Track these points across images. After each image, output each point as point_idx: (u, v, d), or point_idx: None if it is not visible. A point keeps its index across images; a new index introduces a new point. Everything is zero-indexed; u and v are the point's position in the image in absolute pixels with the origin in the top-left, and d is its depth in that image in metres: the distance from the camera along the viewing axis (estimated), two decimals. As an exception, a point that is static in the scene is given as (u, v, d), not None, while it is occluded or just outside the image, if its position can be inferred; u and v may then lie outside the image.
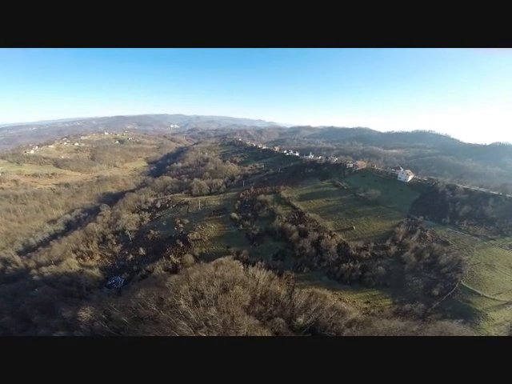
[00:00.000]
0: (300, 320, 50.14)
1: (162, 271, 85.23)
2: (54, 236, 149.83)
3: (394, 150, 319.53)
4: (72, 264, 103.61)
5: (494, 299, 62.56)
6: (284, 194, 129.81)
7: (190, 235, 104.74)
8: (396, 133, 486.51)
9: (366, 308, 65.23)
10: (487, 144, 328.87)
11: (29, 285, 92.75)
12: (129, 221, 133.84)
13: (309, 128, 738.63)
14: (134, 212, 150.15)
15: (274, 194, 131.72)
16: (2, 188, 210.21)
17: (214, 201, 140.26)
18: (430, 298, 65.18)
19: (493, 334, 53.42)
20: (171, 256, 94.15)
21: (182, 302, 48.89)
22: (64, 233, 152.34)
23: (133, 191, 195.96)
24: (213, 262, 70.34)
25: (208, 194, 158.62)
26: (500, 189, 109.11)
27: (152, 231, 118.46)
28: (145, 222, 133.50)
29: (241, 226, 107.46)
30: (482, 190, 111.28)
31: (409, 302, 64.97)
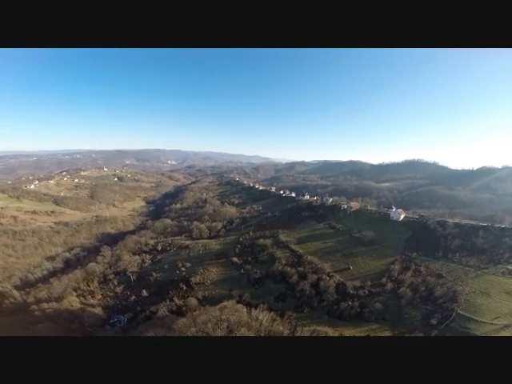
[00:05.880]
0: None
1: (167, 313, 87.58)
2: (53, 273, 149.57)
3: (387, 184, 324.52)
4: (73, 302, 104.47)
5: (492, 324, 65.71)
6: (282, 237, 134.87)
7: (192, 279, 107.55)
8: (387, 164, 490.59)
9: (366, 341, 67.66)
10: (474, 169, 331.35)
11: (30, 319, 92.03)
12: (130, 262, 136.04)
13: (303, 163, 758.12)
14: (134, 254, 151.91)
15: (272, 238, 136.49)
16: (1, 224, 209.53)
17: (215, 245, 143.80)
18: (428, 328, 68.24)
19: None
20: (175, 298, 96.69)
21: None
22: (63, 270, 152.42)
23: (132, 232, 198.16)
24: (218, 306, 73.77)
25: (208, 238, 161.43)
26: (489, 220, 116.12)
27: (154, 273, 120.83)
28: (146, 264, 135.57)
29: (242, 270, 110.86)
30: (471, 222, 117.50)
31: (408, 332, 68.00)
